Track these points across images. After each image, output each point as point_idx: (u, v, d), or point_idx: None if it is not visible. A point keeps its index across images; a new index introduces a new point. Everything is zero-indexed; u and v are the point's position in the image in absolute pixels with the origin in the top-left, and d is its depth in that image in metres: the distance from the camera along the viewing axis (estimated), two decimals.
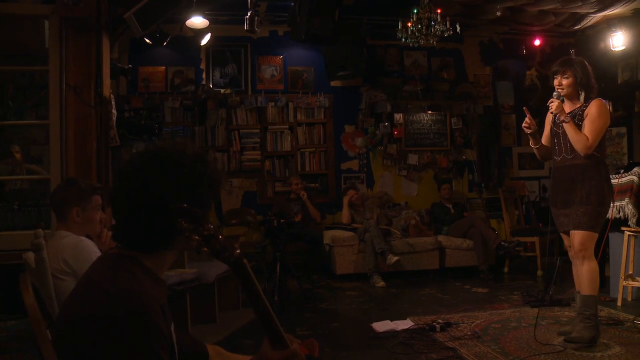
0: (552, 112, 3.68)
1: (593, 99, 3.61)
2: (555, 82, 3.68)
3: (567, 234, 3.72)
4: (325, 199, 7.52)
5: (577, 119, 3.60)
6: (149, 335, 1.19)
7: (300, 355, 1.37)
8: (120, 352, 1.17)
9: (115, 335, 1.17)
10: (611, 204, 3.70)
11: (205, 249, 1.22)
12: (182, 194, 1.29)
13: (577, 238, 3.57)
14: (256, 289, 1.29)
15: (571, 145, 3.61)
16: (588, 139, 3.50)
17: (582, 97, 3.65)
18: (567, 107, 3.68)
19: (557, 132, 3.74)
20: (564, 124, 3.59)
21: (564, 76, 3.64)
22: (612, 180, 4.72)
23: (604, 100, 3.60)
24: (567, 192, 3.64)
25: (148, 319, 1.20)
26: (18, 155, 5.08)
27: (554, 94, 3.68)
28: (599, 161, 3.59)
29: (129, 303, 1.20)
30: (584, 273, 3.57)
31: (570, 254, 3.82)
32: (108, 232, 2.66)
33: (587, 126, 3.53)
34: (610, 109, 7.92)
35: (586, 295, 3.55)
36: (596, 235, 3.59)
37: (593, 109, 3.54)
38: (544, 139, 3.92)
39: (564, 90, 3.64)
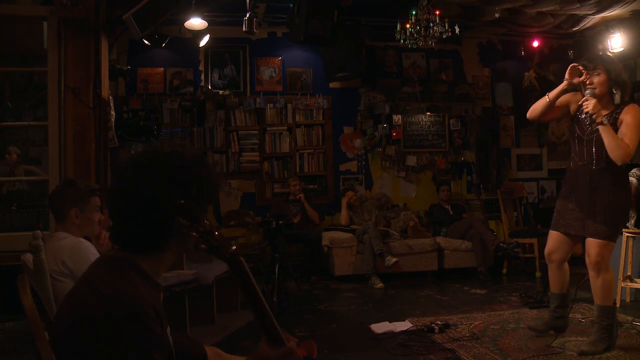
0: (588, 113, 3.25)
1: (627, 102, 3.30)
2: (586, 80, 3.32)
3: (568, 235, 3.55)
4: (324, 200, 7.52)
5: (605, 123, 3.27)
6: (142, 337, 1.19)
7: (297, 352, 1.37)
8: (114, 354, 1.17)
9: (108, 337, 1.17)
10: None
11: (203, 245, 1.22)
12: (178, 196, 1.30)
13: (594, 248, 3.35)
14: (252, 285, 1.29)
15: (598, 155, 3.34)
16: (629, 146, 3.18)
17: (616, 98, 3.31)
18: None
19: (582, 138, 3.42)
20: (600, 127, 3.21)
21: (595, 72, 3.29)
22: None
23: (637, 106, 3.28)
24: (584, 195, 3.41)
25: (141, 322, 1.20)
26: (10, 157, 5.07)
27: (587, 92, 3.28)
28: (621, 170, 3.37)
29: (121, 305, 1.20)
30: (599, 285, 3.39)
31: (549, 257, 3.66)
32: (106, 233, 2.65)
33: (627, 133, 3.19)
34: None
35: (603, 306, 3.41)
36: (614, 245, 3.40)
37: (630, 116, 3.22)
38: (557, 107, 3.52)
39: (598, 90, 3.27)
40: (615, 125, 3.28)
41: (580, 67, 3.34)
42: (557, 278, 3.69)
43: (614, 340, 3.47)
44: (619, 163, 3.23)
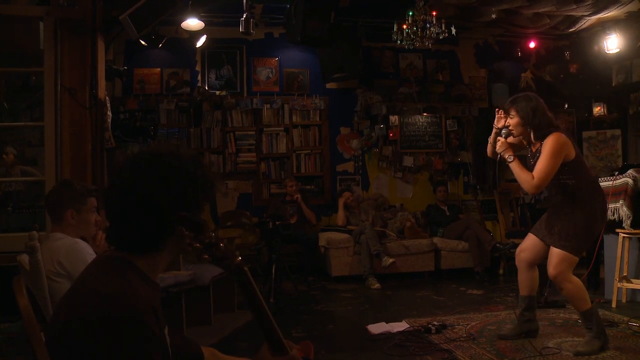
0: (497, 151, 3.58)
1: (548, 134, 3.43)
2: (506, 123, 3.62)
3: (540, 239, 3.64)
4: (321, 200, 7.52)
5: (533, 160, 3.51)
6: (140, 337, 1.19)
7: None
8: (112, 354, 1.17)
9: (106, 337, 1.17)
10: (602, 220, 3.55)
11: (206, 256, 1.22)
12: (174, 196, 1.30)
13: (553, 258, 3.46)
14: (257, 296, 1.29)
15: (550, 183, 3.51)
16: (533, 178, 3.37)
17: (532, 136, 3.53)
18: (534, 148, 3.57)
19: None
20: (509, 164, 3.49)
21: (510, 116, 3.57)
22: (607, 182, 4.76)
23: (561, 134, 3.42)
24: (552, 210, 3.63)
25: (139, 321, 1.19)
26: (7, 157, 5.05)
27: (503, 131, 3.59)
28: (576, 188, 3.46)
29: (120, 305, 1.20)
30: (567, 295, 3.50)
31: (518, 254, 3.78)
32: (103, 234, 2.65)
33: (538, 164, 3.39)
34: (605, 112, 7.96)
35: (581, 312, 3.50)
36: (575, 259, 3.45)
37: (546, 147, 3.39)
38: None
39: (515, 132, 3.56)
40: None
41: (500, 112, 3.66)
42: (525, 279, 3.78)
43: (607, 338, 3.50)
44: (530, 194, 3.49)
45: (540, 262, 3.73)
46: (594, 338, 3.45)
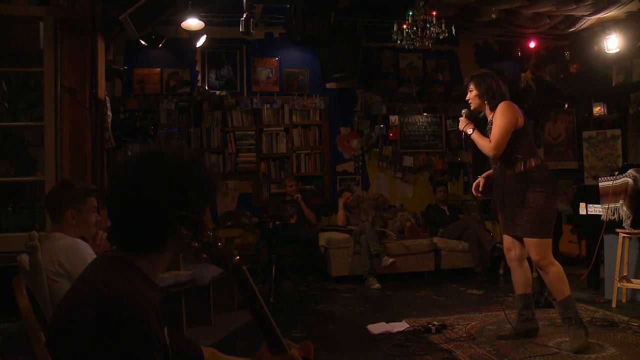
0: (460, 129, 3.87)
1: (499, 103, 3.68)
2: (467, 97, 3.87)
3: (513, 236, 3.77)
4: (321, 200, 7.52)
5: (490, 127, 3.72)
6: (141, 337, 1.19)
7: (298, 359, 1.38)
8: (113, 354, 1.17)
9: (107, 337, 1.17)
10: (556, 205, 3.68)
11: (205, 255, 1.22)
12: (176, 196, 1.30)
13: (531, 248, 3.60)
14: (255, 295, 1.29)
15: (500, 158, 3.70)
16: (490, 142, 3.64)
17: (487, 107, 3.77)
18: (490, 117, 3.79)
19: None
20: (470, 136, 3.77)
21: (469, 90, 3.84)
22: (607, 182, 4.76)
23: (509, 102, 3.68)
24: (500, 198, 3.80)
25: (140, 321, 1.19)
26: None
27: (463, 111, 3.89)
28: (526, 172, 3.61)
29: (121, 305, 1.20)
30: (551, 280, 3.57)
31: (507, 255, 3.89)
32: (103, 234, 2.65)
33: (492, 131, 3.65)
34: (605, 112, 7.96)
35: (561, 300, 3.55)
36: (549, 241, 3.58)
37: (497, 112, 3.66)
38: None
39: (472, 104, 3.83)
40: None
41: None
42: (517, 277, 3.87)
43: (585, 326, 3.56)
44: (490, 156, 3.73)
45: (527, 255, 3.84)
46: (577, 328, 3.50)
